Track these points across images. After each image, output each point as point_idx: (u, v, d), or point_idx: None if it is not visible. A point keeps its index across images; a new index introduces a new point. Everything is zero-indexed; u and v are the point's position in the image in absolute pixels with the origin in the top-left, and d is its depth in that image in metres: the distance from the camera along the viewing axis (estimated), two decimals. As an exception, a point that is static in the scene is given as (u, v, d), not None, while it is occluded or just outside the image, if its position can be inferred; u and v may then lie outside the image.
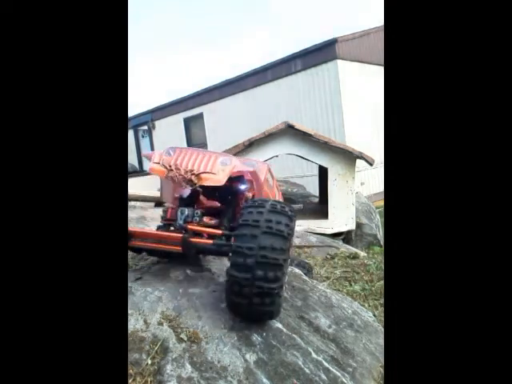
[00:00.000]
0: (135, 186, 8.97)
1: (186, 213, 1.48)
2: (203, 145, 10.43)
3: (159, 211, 3.72)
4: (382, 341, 1.41)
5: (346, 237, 3.61)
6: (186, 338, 1.15)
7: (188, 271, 1.63)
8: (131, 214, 3.47)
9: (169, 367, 1.02)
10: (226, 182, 1.44)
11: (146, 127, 12.37)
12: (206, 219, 1.54)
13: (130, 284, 1.46)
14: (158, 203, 4.50)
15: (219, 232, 1.44)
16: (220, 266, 1.76)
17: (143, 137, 12.75)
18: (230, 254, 1.22)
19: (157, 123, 11.80)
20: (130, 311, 1.26)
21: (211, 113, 10.16)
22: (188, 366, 1.04)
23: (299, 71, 8.06)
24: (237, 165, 1.48)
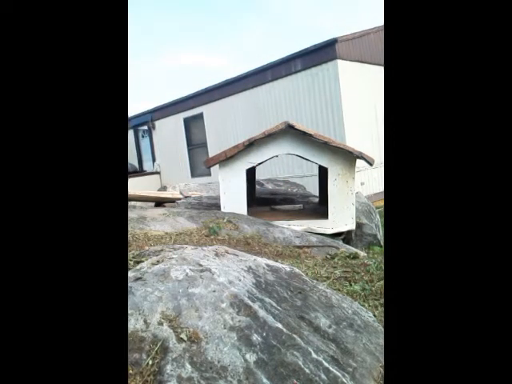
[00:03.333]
0: (135, 186, 9.03)
1: None
2: (203, 145, 10.42)
3: (159, 211, 3.73)
4: (382, 341, 1.41)
5: (346, 237, 3.61)
6: (186, 338, 1.15)
7: (188, 271, 1.63)
8: (131, 214, 3.47)
9: (169, 367, 1.02)
10: None
11: (146, 127, 12.39)
12: None
13: (130, 284, 1.46)
14: (158, 203, 4.51)
15: None
16: (220, 265, 1.76)
17: (143, 137, 12.76)
18: None
19: (157, 123, 11.82)
20: (130, 311, 1.26)
21: (211, 113, 10.17)
22: (188, 366, 1.04)
23: (299, 71, 8.08)
24: None
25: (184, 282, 1.53)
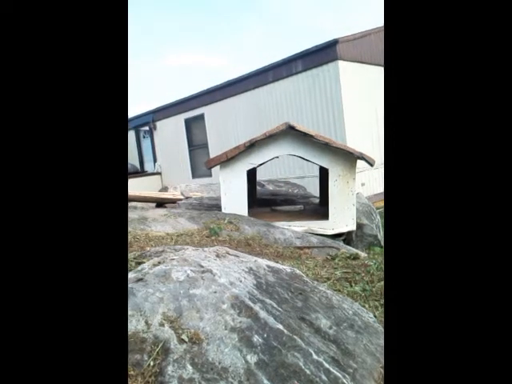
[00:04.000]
0: (136, 186, 9.02)
1: None
2: (204, 146, 10.41)
3: (160, 212, 3.73)
4: (382, 341, 1.41)
5: (346, 237, 3.60)
6: (187, 339, 1.15)
7: (189, 272, 1.63)
8: (132, 215, 3.46)
9: (170, 368, 1.03)
10: None
11: (147, 128, 12.36)
12: None
13: (131, 285, 1.46)
14: (159, 204, 4.51)
15: None
16: (221, 266, 1.76)
17: (144, 137, 12.75)
18: None
19: (158, 124, 11.81)
20: (131, 312, 1.26)
21: (212, 114, 10.16)
22: (189, 367, 1.04)
23: (300, 72, 8.07)
24: None
25: (185, 283, 1.53)
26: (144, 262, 1.83)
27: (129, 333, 1.16)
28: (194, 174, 10.53)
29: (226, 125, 9.62)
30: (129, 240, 2.79)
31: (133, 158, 12.25)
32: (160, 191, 6.28)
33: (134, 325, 1.20)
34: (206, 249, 2.01)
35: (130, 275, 1.61)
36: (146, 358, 1.06)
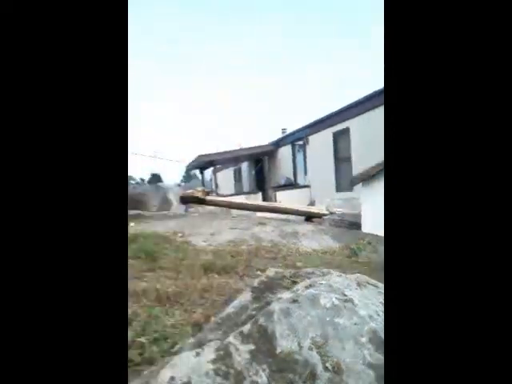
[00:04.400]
0: (289, 198, 9.45)
1: None
2: (348, 160, 10.17)
3: (308, 227, 3.91)
4: None
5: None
6: (330, 368, 1.26)
7: (334, 299, 1.73)
8: (287, 229, 3.72)
9: (317, 393, 1.15)
10: None
11: (301, 142, 12.70)
12: None
13: (287, 305, 1.65)
14: (308, 217, 4.71)
15: None
16: (361, 297, 1.80)
17: (299, 151, 13.10)
18: None
19: (310, 138, 12.00)
20: (287, 332, 1.43)
21: (357, 127, 9.81)
22: (332, 396, 1.14)
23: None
24: None
25: (330, 310, 1.63)
26: (297, 282, 2.01)
27: (285, 351, 1.34)
28: (338, 188, 10.32)
29: (370, 139, 9.14)
30: (283, 254, 3.04)
31: (288, 172, 12.82)
32: (308, 205, 6.52)
33: (289, 344, 1.37)
34: (348, 276, 2.07)
35: (287, 295, 1.80)
36: (297, 378, 1.21)
